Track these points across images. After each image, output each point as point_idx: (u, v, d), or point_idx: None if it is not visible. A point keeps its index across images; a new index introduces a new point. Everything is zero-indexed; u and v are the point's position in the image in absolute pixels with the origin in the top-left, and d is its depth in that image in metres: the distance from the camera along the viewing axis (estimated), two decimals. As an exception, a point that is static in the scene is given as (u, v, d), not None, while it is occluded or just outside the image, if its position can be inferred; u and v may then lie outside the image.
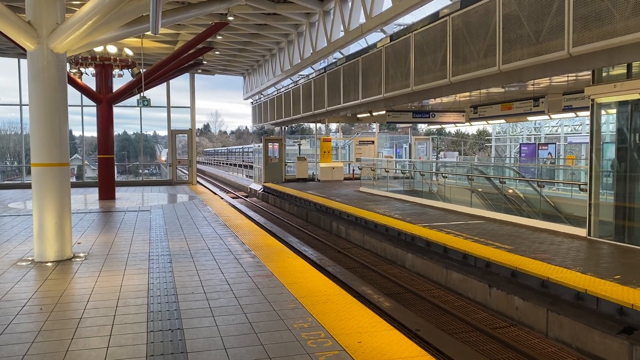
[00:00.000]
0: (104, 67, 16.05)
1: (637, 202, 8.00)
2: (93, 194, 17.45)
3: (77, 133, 25.38)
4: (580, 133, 26.15)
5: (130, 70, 16.77)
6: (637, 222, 8.11)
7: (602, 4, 6.95)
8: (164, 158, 24.35)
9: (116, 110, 17.09)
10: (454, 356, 5.38)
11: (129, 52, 16.34)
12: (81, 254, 7.61)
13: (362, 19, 14.21)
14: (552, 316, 5.83)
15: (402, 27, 14.80)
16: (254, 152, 29.74)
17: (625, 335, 5.05)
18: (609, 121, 8.81)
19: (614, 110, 8.54)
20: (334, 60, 19.26)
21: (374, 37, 16.42)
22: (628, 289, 5.64)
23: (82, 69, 16.00)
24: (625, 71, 8.02)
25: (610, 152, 8.62)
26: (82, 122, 22.35)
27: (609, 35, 6.86)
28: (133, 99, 17.95)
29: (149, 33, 10.93)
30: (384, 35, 14.91)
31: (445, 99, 18.90)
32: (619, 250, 7.78)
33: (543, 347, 5.68)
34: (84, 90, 16.52)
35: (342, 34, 15.56)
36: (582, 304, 5.78)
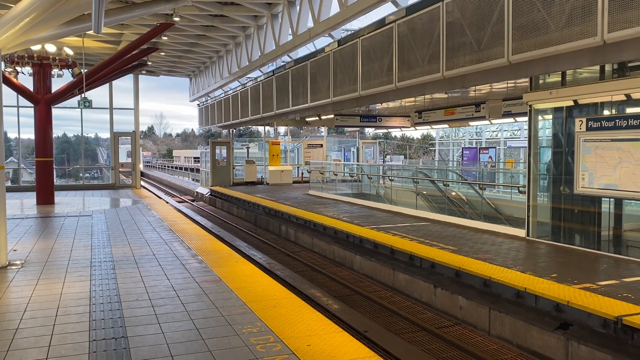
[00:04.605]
0: (42, 66, 15.41)
1: (571, 203, 8.41)
2: (30, 198, 16.69)
3: (12, 135, 24.27)
4: (519, 137, 27.26)
5: (70, 70, 16.15)
6: (572, 223, 8.53)
7: (539, 15, 7.28)
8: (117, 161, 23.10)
9: (55, 111, 16.42)
10: (400, 356, 5.48)
11: (69, 51, 15.74)
12: (17, 262, 7.26)
13: (310, 24, 14.28)
14: (494, 314, 6.04)
15: (349, 33, 14.98)
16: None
17: (561, 331, 5.30)
18: (545, 126, 9.22)
19: (550, 116, 8.95)
20: (283, 64, 19.25)
21: (323, 42, 16.57)
22: (564, 286, 5.92)
23: (19, 68, 15.28)
24: (560, 79, 8.43)
25: (547, 156, 9.03)
26: (19, 123, 21.44)
27: (545, 45, 7.20)
28: (73, 100, 17.31)
29: (90, 32, 10.58)
30: (332, 40, 15.05)
31: (391, 104, 19.26)
32: (555, 249, 8.16)
33: (486, 344, 5.87)
34: (20, 90, 15.80)
35: (290, 37, 15.59)
36: (522, 302, 6.01)
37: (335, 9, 12.88)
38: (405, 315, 6.85)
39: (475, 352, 5.61)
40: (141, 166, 45.93)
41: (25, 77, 15.71)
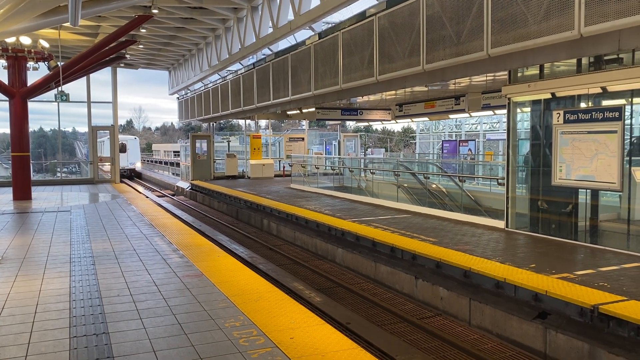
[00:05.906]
0: (17, 59, 15.10)
1: (549, 195, 8.55)
2: (6, 194, 16.39)
3: (-13, 129, 23.73)
4: (498, 130, 27.59)
5: (46, 63, 15.86)
6: (549, 214, 8.67)
7: (517, 8, 7.35)
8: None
9: (32, 105, 16.13)
10: (383, 347, 5.52)
11: (45, 44, 15.43)
12: (-6, 259, 7.14)
13: (291, 16, 14.20)
14: (474, 305, 6.13)
15: (330, 26, 14.94)
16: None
17: (540, 320, 5.40)
18: (523, 119, 9.34)
19: (528, 109, 9.07)
20: (264, 57, 19.14)
21: (303, 35, 16.49)
22: (542, 276, 6.02)
23: (-8, 61, 14.97)
24: (538, 72, 8.54)
25: (525, 148, 9.15)
26: (-7, 117, 20.98)
27: (524, 38, 7.27)
28: (50, 94, 17.01)
29: (67, 24, 10.39)
30: (313, 33, 15.00)
31: (372, 97, 19.32)
32: (533, 240, 8.29)
33: (466, 334, 5.95)
34: (-6, 83, 15.47)
35: (270, 30, 15.49)
36: (502, 292, 6.11)
37: (315, 1, 12.84)
38: (387, 307, 6.90)
39: (456, 342, 5.69)
40: (138, 165, 43.43)
41: (0, 70, 15.41)
